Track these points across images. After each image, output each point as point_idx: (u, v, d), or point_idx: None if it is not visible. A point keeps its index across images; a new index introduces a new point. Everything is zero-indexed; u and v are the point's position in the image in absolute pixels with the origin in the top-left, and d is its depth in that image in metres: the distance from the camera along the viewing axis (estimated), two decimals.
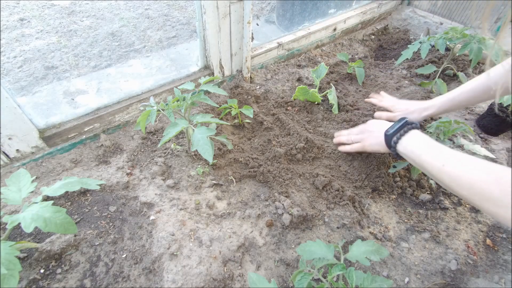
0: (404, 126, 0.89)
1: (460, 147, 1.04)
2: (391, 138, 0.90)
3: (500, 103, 1.22)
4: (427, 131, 1.10)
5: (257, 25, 1.58)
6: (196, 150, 1.03)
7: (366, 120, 1.14)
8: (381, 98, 1.34)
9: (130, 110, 1.23)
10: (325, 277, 0.69)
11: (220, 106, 1.29)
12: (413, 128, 0.89)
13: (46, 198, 0.96)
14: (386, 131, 0.93)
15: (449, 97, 1.06)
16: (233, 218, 0.97)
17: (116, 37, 2.30)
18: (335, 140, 1.19)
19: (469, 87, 1.01)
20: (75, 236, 0.86)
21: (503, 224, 0.67)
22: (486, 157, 1.12)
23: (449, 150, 0.76)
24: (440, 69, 1.49)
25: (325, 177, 1.08)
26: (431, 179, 1.06)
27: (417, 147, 0.82)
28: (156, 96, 1.27)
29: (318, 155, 1.21)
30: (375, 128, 1.01)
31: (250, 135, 1.30)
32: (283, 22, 2.05)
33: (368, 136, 1.04)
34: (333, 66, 1.68)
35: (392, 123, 0.96)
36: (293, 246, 0.92)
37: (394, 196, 1.09)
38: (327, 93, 1.39)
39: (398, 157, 0.92)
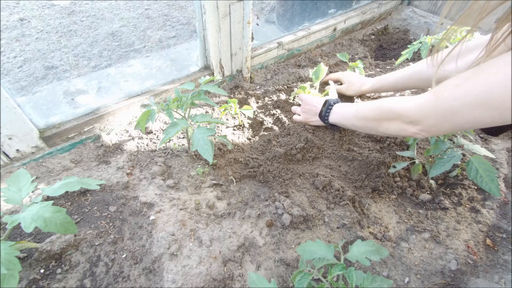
0: (328, 106, 1.18)
1: (460, 147, 1.04)
2: (323, 118, 1.19)
3: None
4: None
5: (257, 25, 1.58)
6: (196, 150, 1.03)
7: None
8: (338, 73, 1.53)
9: (130, 110, 1.23)
10: (325, 277, 0.69)
11: (220, 106, 1.29)
12: (334, 103, 1.18)
13: (46, 198, 0.96)
14: (320, 113, 1.21)
15: (386, 78, 1.31)
16: (233, 218, 0.97)
17: (116, 37, 2.30)
18: (293, 109, 1.38)
19: (407, 73, 1.22)
20: (75, 236, 0.86)
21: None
22: (486, 157, 1.12)
23: (360, 102, 1.11)
24: None
25: (325, 177, 1.08)
26: (363, 133, 1.31)
27: (339, 113, 1.15)
28: (156, 96, 1.27)
29: (318, 155, 1.21)
30: (311, 106, 1.25)
31: (250, 135, 1.30)
32: (283, 22, 2.05)
33: (308, 112, 1.27)
34: (333, 66, 1.68)
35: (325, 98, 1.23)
36: (293, 246, 0.92)
37: (394, 196, 1.09)
38: (327, 93, 1.39)
39: (333, 126, 1.22)
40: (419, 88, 1.36)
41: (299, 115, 1.32)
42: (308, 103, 1.27)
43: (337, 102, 1.19)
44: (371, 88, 1.36)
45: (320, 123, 1.23)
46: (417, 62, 1.21)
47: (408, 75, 1.21)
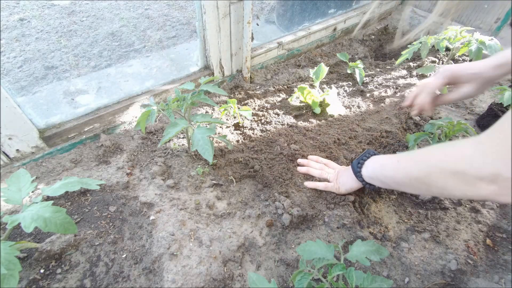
0: (365, 154, 0.94)
1: None
2: (356, 165, 0.92)
3: (500, 103, 1.22)
4: (428, 131, 1.10)
5: (257, 25, 1.58)
6: (196, 150, 1.03)
7: (366, 121, 1.13)
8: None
9: (130, 110, 1.23)
10: (325, 277, 0.69)
11: (220, 106, 1.29)
12: (374, 154, 0.92)
13: (46, 198, 0.96)
14: (352, 162, 0.94)
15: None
16: (233, 218, 0.97)
17: (116, 37, 2.30)
18: (302, 170, 1.09)
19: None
20: (75, 236, 0.86)
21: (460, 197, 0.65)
22: None
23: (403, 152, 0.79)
24: None
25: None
26: (391, 190, 1.02)
27: (377, 163, 0.86)
28: (156, 96, 1.27)
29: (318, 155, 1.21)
30: (347, 168, 1.00)
31: (250, 135, 1.30)
32: (283, 22, 2.05)
33: (341, 175, 1.00)
34: (333, 66, 1.68)
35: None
36: (293, 246, 0.92)
37: (394, 196, 1.09)
38: (327, 94, 1.39)
39: (367, 184, 0.91)
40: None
41: (315, 175, 1.06)
42: (345, 168, 1.03)
43: (377, 154, 0.94)
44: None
45: (351, 183, 0.96)
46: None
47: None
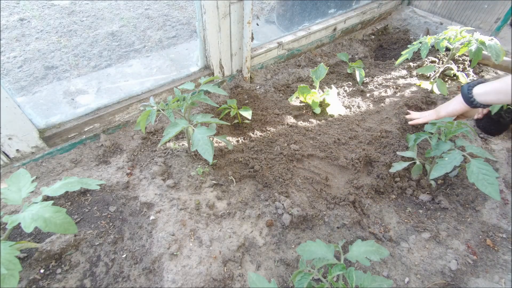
0: (469, 84, 1.04)
1: (461, 148, 1.04)
2: (466, 88, 1.03)
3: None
4: (428, 131, 1.10)
5: (257, 25, 1.58)
6: (196, 150, 1.03)
7: (366, 121, 1.13)
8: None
9: (130, 110, 1.23)
10: (325, 277, 0.69)
11: (220, 106, 1.29)
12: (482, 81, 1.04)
13: (46, 198, 0.96)
14: (462, 94, 1.06)
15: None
16: (233, 218, 0.97)
17: (116, 37, 2.30)
18: (408, 116, 1.32)
19: None
20: (75, 236, 0.86)
21: None
22: (487, 160, 1.11)
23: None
24: (440, 69, 1.49)
25: (326, 176, 1.08)
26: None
27: (490, 82, 0.98)
28: (156, 96, 1.27)
29: (319, 155, 1.21)
30: (449, 100, 1.12)
31: (250, 135, 1.30)
32: (283, 22, 2.05)
33: (441, 105, 1.14)
34: (333, 66, 1.68)
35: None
36: (293, 246, 0.92)
37: (394, 196, 1.09)
38: (327, 94, 1.39)
39: (473, 102, 1.01)
40: None
41: (417, 116, 1.26)
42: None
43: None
44: None
45: (453, 105, 1.09)
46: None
47: None
